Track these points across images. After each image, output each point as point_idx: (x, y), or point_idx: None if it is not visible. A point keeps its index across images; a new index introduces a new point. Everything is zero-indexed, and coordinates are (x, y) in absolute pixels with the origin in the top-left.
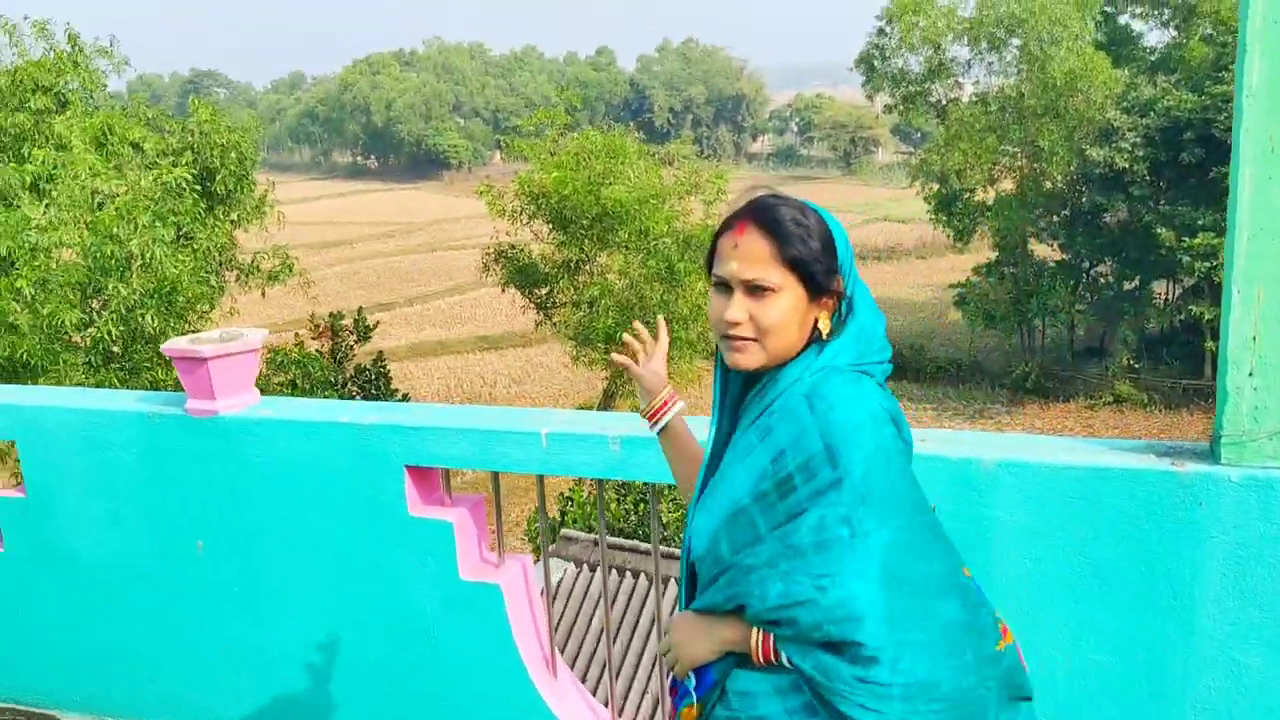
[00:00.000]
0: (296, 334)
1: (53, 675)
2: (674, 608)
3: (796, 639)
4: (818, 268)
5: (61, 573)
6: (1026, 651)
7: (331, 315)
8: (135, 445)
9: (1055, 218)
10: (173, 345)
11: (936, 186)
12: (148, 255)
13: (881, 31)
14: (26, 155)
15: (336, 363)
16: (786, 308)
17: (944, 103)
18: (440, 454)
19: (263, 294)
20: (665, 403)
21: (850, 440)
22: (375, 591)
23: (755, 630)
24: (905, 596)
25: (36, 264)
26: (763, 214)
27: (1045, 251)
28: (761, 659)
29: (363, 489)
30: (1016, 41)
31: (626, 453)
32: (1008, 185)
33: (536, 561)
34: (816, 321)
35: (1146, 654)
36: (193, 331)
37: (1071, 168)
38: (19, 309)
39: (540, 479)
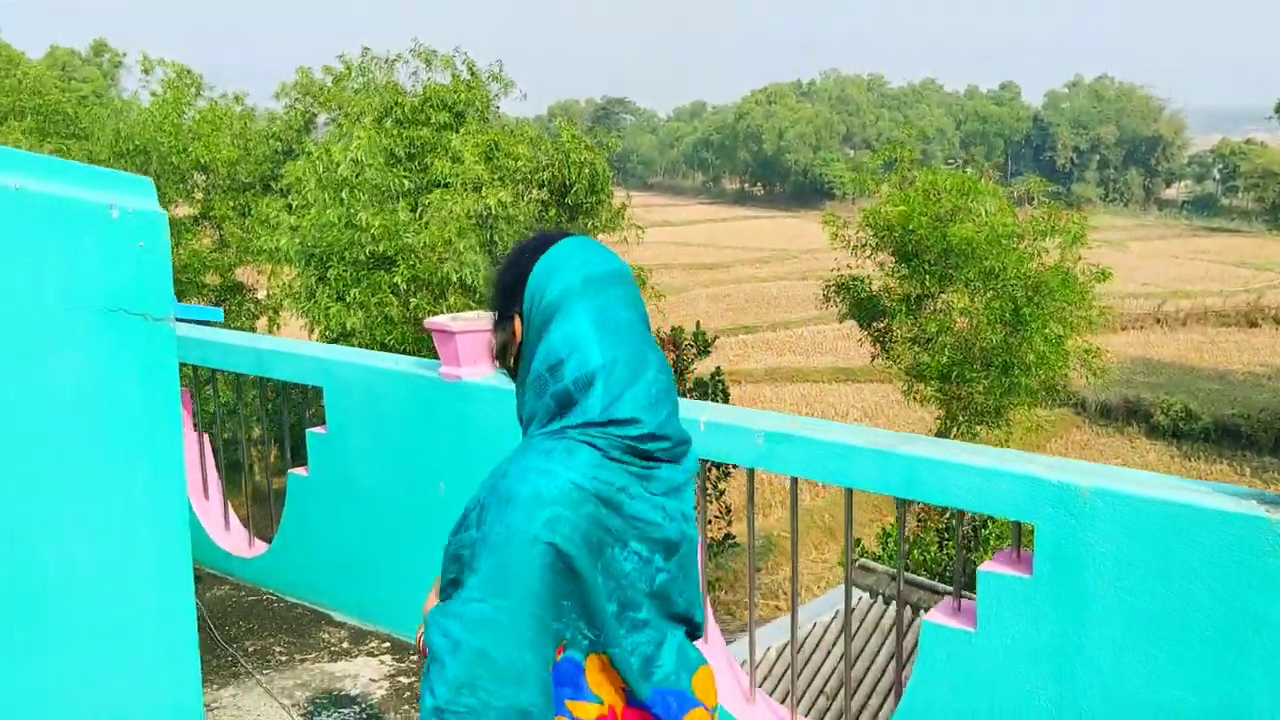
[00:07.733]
0: None
1: (334, 580)
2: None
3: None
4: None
5: (347, 498)
6: (1114, 680)
7: (674, 329)
8: (401, 398)
9: None
10: (434, 321)
11: None
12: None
13: None
14: (428, 165)
15: (678, 374)
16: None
17: None
18: None
19: None
20: None
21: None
22: None
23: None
24: (483, 668)
25: (409, 263)
26: None
27: None
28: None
29: None
30: None
31: (768, 446)
32: None
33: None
34: None
35: (1227, 697)
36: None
37: None
38: (395, 301)
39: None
